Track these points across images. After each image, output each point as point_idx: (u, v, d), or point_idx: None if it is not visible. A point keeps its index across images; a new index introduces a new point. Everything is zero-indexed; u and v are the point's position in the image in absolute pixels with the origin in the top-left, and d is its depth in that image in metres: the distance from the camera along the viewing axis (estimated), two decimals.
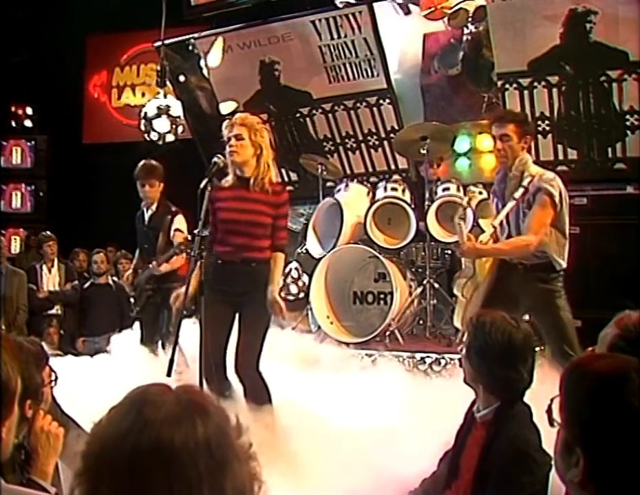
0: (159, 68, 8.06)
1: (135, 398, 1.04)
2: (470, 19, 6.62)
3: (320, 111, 7.94)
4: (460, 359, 2.60)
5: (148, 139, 8.01)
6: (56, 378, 2.33)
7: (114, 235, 8.34)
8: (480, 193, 5.84)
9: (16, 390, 1.51)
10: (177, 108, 8.10)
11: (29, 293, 7.21)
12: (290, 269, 6.26)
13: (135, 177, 5.32)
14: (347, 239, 5.90)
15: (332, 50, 7.56)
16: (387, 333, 5.39)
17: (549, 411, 1.39)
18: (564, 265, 3.92)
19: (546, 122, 6.80)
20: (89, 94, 11.78)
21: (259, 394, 3.81)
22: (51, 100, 10.49)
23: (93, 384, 4.57)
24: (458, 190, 5.75)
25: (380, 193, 5.90)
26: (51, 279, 7.64)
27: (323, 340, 5.54)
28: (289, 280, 6.22)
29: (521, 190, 3.84)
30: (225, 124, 3.97)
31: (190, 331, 4.52)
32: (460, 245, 3.80)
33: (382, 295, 5.85)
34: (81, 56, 11.38)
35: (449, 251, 5.94)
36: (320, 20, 7.46)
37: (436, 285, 5.59)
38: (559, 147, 6.82)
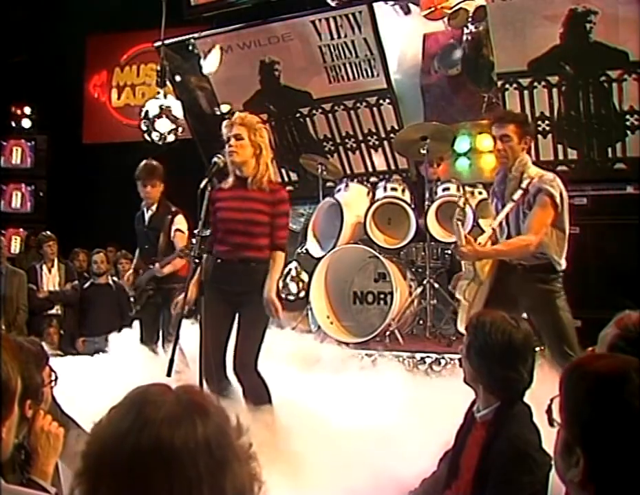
0: (159, 68, 8.07)
1: (135, 398, 1.04)
2: (470, 19, 6.61)
3: (320, 111, 7.94)
4: (460, 359, 2.60)
5: (149, 139, 8.01)
6: (56, 378, 2.32)
7: (114, 235, 8.35)
8: (480, 193, 5.84)
9: (16, 390, 1.51)
10: (177, 108, 8.12)
11: (29, 293, 7.22)
12: (290, 269, 6.26)
13: (136, 178, 5.32)
14: (347, 239, 5.90)
15: (332, 50, 7.56)
16: (387, 333, 5.39)
17: (549, 411, 1.39)
18: (564, 265, 3.92)
19: (546, 122, 6.80)
20: (89, 94, 11.78)
21: (258, 394, 3.81)
22: (51, 100, 10.49)
23: (93, 384, 4.57)
24: (458, 190, 5.74)
25: (380, 193, 5.91)
26: (51, 279, 7.64)
27: (323, 340, 5.54)
28: (288, 278, 6.22)
29: (520, 192, 3.84)
30: (224, 123, 3.97)
31: (190, 331, 4.52)
32: (458, 247, 3.78)
33: (382, 295, 5.85)
34: (81, 56, 11.38)
35: (449, 251, 5.93)
36: (320, 20, 7.45)
37: (436, 285, 5.59)
38: (559, 147, 6.83)
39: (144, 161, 5.40)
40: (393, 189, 5.84)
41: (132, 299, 5.55)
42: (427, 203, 5.63)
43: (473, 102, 7.15)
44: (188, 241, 4.86)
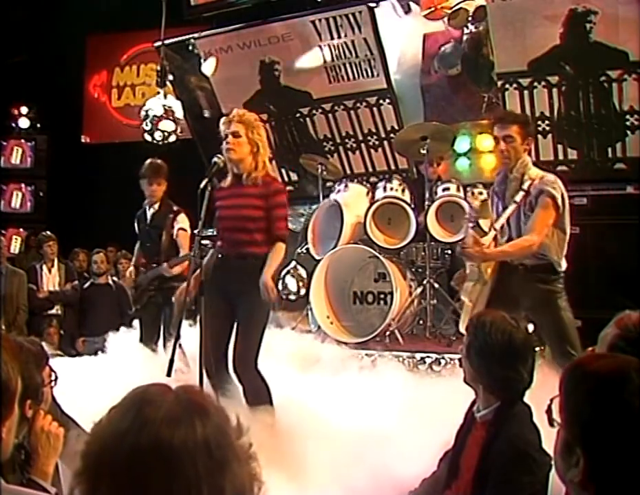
0: (159, 68, 8.07)
1: (135, 398, 1.04)
2: (470, 19, 6.62)
3: (320, 111, 7.94)
4: (460, 359, 2.61)
5: (150, 139, 8.01)
6: (56, 378, 2.33)
7: (114, 235, 8.35)
8: (480, 193, 5.84)
9: (16, 390, 1.51)
10: (178, 109, 8.14)
11: (29, 293, 7.22)
12: (289, 266, 6.26)
13: (142, 176, 5.33)
14: (347, 239, 5.89)
15: (332, 50, 7.56)
16: (387, 333, 5.39)
17: (549, 411, 1.39)
18: (564, 266, 3.93)
19: (546, 122, 6.80)
20: (89, 94, 11.77)
21: (258, 393, 3.81)
22: (51, 100, 10.48)
23: (93, 384, 4.57)
24: (458, 190, 5.74)
25: (379, 193, 5.90)
26: (51, 279, 7.64)
27: (323, 340, 5.54)
28: (288, 276, 6.21)
29: (521, 193, 3.85)
30: (222, 120, 3.98)
31: (190, 331, 4.53)
32: (465, 249, 3.79)
33: (382, 295, 5.84)
34: (81, 56, 11.37)
35: (449, 251, 5.93)
36: (320, 20, 7.46)
37: (436, 285, 5.59)
38: (559, 147, 6.83)
39: (149, 160, 5.42)
40: (393, 189, 5.84)
41: (131, 297, 5.56)
42: (427, 203, 5.63)
43: (473, 102, 7.15)
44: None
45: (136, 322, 5.66)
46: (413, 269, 6.03)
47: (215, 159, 3.89)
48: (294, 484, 3.13)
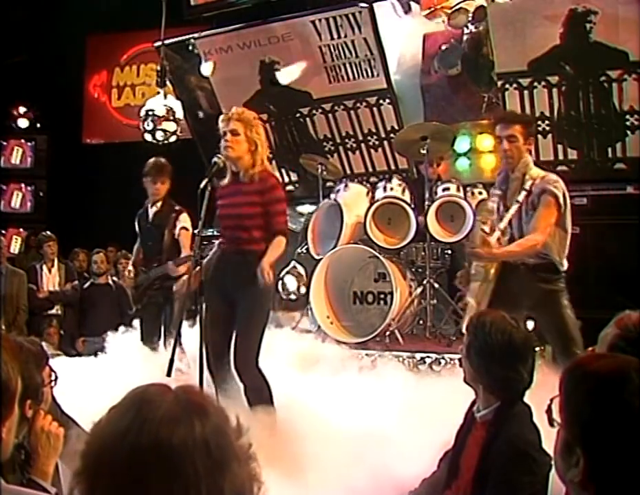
0: (159, 68, 8.07)
1: (135, 398, 1.04)
2: (470, 19, 6.62)
3: (320, 111, 7.94)
4: (460, 359, 2.61)
5: (151, 139, 8.01)
6: (56, 378, 2.33)
7: (114, 235, 8.35)
8: (480, 193, 5.84)
9: (16, 390, 1.51)
10: (178, 109, 8.15)
11: (29, 293, 7.22)
12: (288, 266, 6.27)
13: (145, 174, 5.34)
14: (347, 239, 5.90)
15: (332, 50, 7.56)
16: (387, 333, 5.39)
17: (549, 411, 1.39)
18: (566, 265, 3.93)
19: (546, 122, 6.80)
20: (89, 94, 11.78)
21: (259, 393, 3.81)
22: (51, 100, 10.49)
23: (93, 384, 4.57)
24: (458, 190, 5.74)
25: (379, 193, 5.90)
26: (51, 279, 7.64)
27: (324, 340, 5.54)
28: (288, 276, 6.21)
29: (524, 193, 3.85)
30: (221, 117, 3.98)
31: (190, 331, 4.53)
32: (474, 249, 3.79)
33: (382, 295, 5.84)
34: (81, 56, 11.38)
35: (449, 251, 5.94)
36: (320, 20, 7.45)
37: (436, 285, 5.59)
38: (559, 147, 6.82)
39: (153, 158, 5.44)
40: (393, 189, 5.84)
41: (131, 296, 5.56)
42: (426, 203, 5.63)
43: (473, 102, 7.15)
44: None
45: (136, 322, 5.66)
46: (413, 269, 6.03)
47: (215, 159, 3.90)
48: (294, 484, 3.13)
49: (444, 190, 5.76)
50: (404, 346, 5.29)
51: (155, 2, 7.91)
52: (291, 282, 6.23)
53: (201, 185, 3.73)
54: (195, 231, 3.81)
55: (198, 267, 3.78)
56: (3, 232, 9.88)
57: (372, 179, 7.35)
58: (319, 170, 6.49)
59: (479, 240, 3.77)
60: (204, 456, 0.98)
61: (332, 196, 6.10)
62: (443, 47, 7.16)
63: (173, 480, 0.96)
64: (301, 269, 6.22)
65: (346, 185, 6.13)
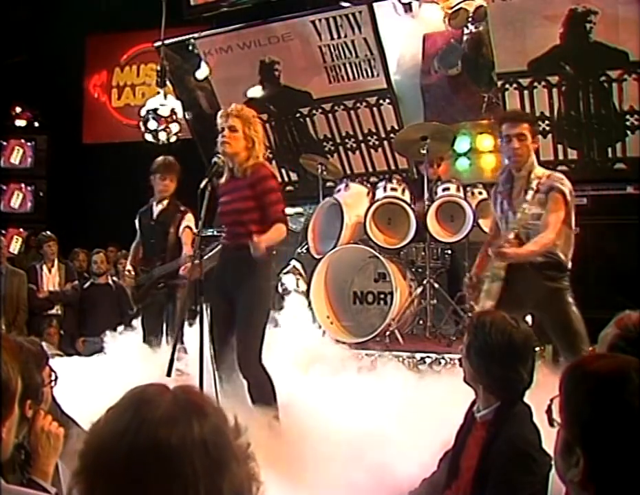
0: (159, 68, 8.07)
1: (133, 398, 1.04)
2: (470, 19, 6.62)
3: (320, 111, 7.94)
4: (460, 359, 2.60)
5: (154, 139, 8.01)
6: (56, 378, 2.33)
7: (114, 235, 8.34)
8: (480, 193, 5.84)
9: (16, 390, 1.51)
10: (178, 109, 8.15)
11: (29, 293, 7.22)
12: (288, 265, 6.26)
13: (154, 171, 5.33)
14: (347, 239, 5.89)
15: (332, 50, 7.56)
16: (387, 333, 5.39)
17: (549, 411, 1.39)
18: (570, 264, 3.94)
19: (546, 122, 6.80)
20: (89, 94, 11.78)
21: (262, 391, 3.82)
22: (51, 100, 10.49)
23: (93, 384, 4.57)
24: (458, 190, 5.74)
25: (379, 193, 5.90)
26: (51, 279, 7.64)
27: (324, 340, 5.53)
28: (288, 276, 6.21)
29: (531, 192, 3.84)
30: (220, 113, 3.99)
31: (190, 331, 4.53)
32: (501, 249, 3.77)
33: (382, 295, 5.84)
34: (81, 56, 11.38)
35: (449, 251, 5.94)
36: (320, 20, 7.46)
37: (436, 285, 5.59)
38: (559, 147, 6.83)
39: (161, 157, 5.44)
40: (393, 189, 5.84)
41: (131, 295, 5.54)
42: (427, 203, 5.63)
43: (473, 102, 7.15)
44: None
45: (136, 322, 5.65)
46: (413, 269, 6.02)
47: (215, 159, 3.91)
48: (293, 484, 3.13)
49: (444, 190, 5.76)
50: (404, 346, 5.29)
51: (155, 2, 7.91)
52: (291, 282, 6.23)
53: (201, 185, 3.74)
54: (195, 230, 3.82)
55: (198, 268, 3.78)
56: (3, 232, 9.87)
57: (372, 179, 7.35)
58: (319, 170, 6.49)
59: (504, 239, 3.77)
60: (203, 455, 0.98)
61: (333, 195, 6.10)
62: (443, 47, 7.16)
63: (172, 480, 0.96)
64: (301, 271, 6.21)
65: (347, 185, 6.13)
